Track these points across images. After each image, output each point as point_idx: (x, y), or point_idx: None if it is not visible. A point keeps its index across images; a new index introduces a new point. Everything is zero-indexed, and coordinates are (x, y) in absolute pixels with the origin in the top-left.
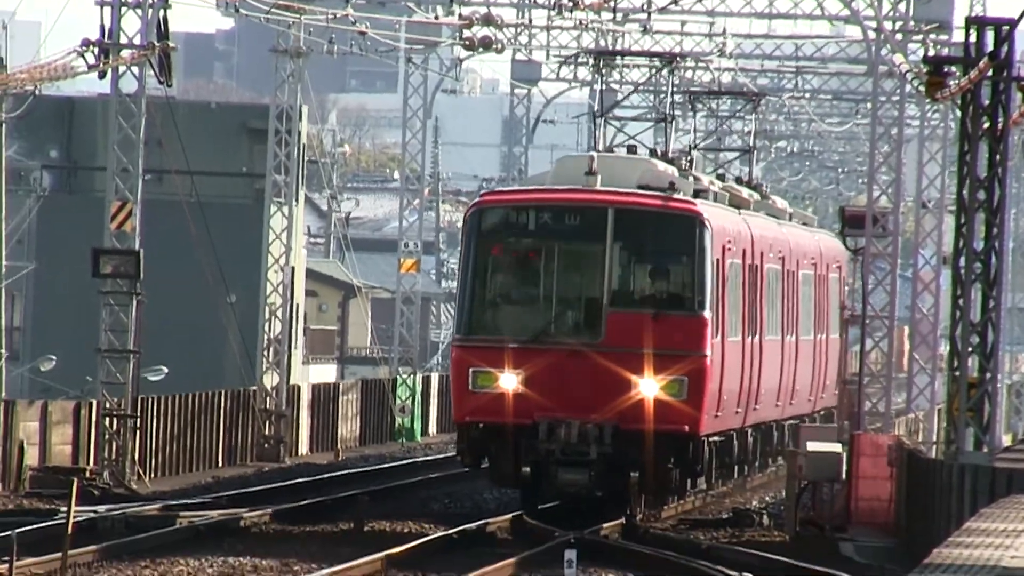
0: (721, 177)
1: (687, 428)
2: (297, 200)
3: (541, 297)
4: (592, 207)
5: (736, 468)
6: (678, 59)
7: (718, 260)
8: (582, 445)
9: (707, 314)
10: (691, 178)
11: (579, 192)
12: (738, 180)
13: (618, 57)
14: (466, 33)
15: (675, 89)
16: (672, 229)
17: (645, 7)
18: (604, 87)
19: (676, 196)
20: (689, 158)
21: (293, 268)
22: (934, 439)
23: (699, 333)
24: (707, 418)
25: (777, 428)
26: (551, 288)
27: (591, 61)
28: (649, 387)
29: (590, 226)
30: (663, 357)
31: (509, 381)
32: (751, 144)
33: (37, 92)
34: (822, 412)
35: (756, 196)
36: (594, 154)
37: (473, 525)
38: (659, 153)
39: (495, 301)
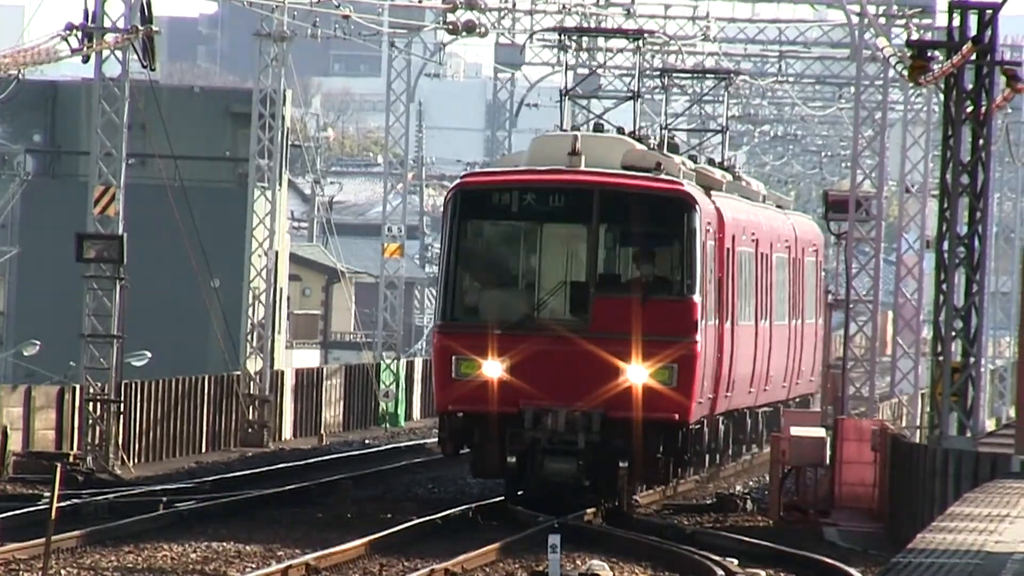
0: (693, 158)
1: (677, 416)
2: (280, 184)
3: (525, 282)
4: (578, 188)
5: (707, 457)
6: (645, 35)
7: (704, 243)
8: (569, 434)
9: (697, 298)
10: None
11: (564, 173)
12: (711, 161)
13: (596, 39)
14: (449, 17)
15: (651, 70)
16: (661, 211)
17: None
18: (587, 68)
19: (663, 177)
20: (658, 137)
21: (277, 252)
22: (918, 424)
23: (689, 318)
24: (695, 405)
25: (750, 416)
26: (536, 272)
27: (560, 38)
28: (638, 374)
29: (576, 208)
30: (652, 343)
31: (493, 368)
32: (724, 124)
33: (20, 76)
34: (797, 399)
35: (728, 177)
36: (578, 134)
37: (457, 510)
38: (626, 132)
39: (478, 286)
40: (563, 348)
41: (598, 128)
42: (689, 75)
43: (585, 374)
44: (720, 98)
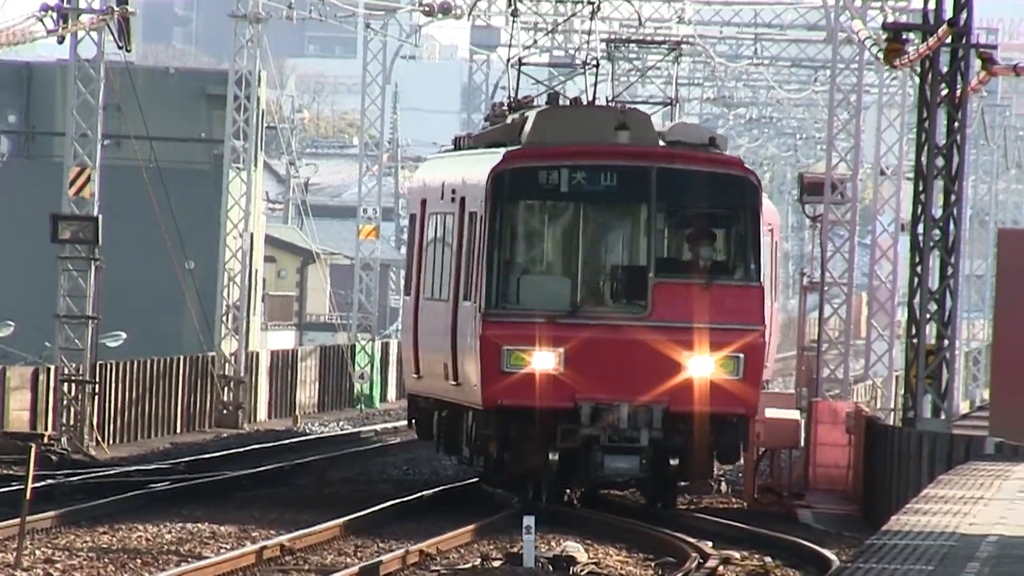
0: None
1: (743, 410)
2: (256, 166)
3: (578, 266)
4: (633, 166)
5: None
6: (600, 1)
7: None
8: (631, 430)
9: (763, 283)
10: None
11: (616, 149)
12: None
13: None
14: None
15: (594, 37)
16: (722, 190)
17: None
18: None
19: (722, 154)
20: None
21: (252, 234)
22: (892, 406)
23: (756, 305)
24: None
25: None
26: (589, 256)
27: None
28: (702, 365)
29: (631, 187)
30: (716, 331)
31: (546, 360)
32: (674, 95)
33: None
34: None
35: None
36: (627, 106)
37: (431, 491)
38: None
39: (526, 271)
40: (620, 337)
41: (552, 99)
42: (640, 44)
43: (645, 366)
44: (696, 80)
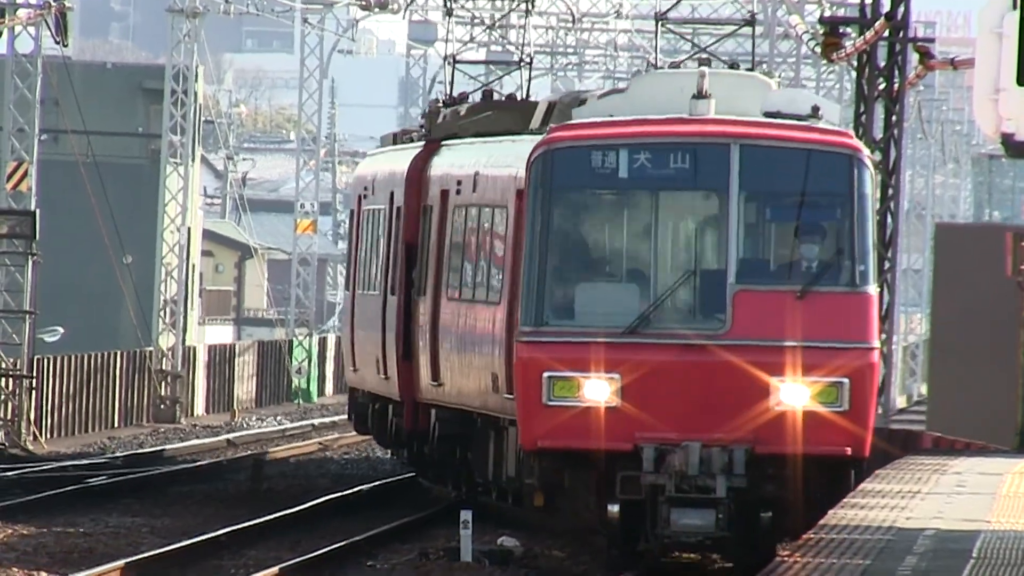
0: (489, 94)
1: (850, 451)
2: (193, 160)
3: (640, 272)
4: (709, 144)
5: None
6: None
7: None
8: (705, 477)
9: (873, 290)
10: None
11: (688, 123)
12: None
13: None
14: None
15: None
16: (823, 171)
17: None
18: (478, 39)
19: (824, 126)
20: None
21: (189, 229)
22: None
23: (864, 317)
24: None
25: None
26: (654, 259)
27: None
28: (796, 394)
29: (707, 170)
30: (814, 351)
31: (599, 390)
32: (528, 56)
33: None
34: None
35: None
36: (705, 70)
37: (368, 486)
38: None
39: (576, 278)
40: (693, 360)
41: (487, 96)
42: None
43: (723, 396)
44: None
